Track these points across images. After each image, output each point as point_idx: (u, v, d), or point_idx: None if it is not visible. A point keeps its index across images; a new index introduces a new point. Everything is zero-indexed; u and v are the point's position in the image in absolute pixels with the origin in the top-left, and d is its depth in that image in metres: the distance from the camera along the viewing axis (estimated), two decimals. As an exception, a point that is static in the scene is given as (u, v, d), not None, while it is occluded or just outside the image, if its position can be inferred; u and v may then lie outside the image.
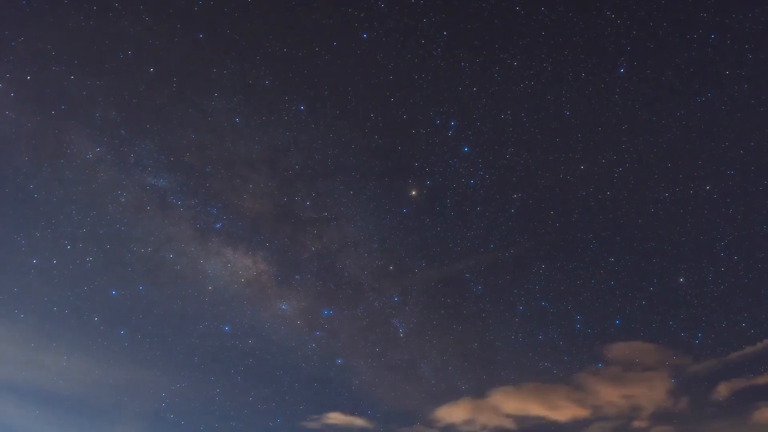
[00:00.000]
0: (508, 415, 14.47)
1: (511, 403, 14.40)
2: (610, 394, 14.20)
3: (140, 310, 11.48)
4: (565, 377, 13.97)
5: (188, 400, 12.87)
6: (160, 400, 12.54)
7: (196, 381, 12.68)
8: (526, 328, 13.65)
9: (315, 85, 10.45)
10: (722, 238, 12.54)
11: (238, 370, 12.74)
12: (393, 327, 13.39)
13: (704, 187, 12.05)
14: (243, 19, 9.63)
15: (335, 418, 14.10)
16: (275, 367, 12.96)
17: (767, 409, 13.50)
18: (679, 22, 10.73)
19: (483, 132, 11.62)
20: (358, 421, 14.09)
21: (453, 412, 14.40)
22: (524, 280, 13.21)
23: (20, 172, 9.67)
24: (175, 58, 9.55)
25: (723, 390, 13.67)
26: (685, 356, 13.54)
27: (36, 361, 11.44)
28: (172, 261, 11.38)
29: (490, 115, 11.49)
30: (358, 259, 12.48)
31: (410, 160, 11.63)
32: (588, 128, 11.83)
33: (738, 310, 12.92)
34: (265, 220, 11.72)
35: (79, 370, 11.89)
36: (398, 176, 11.79)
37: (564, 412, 14.32)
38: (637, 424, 14.26)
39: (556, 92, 11.40)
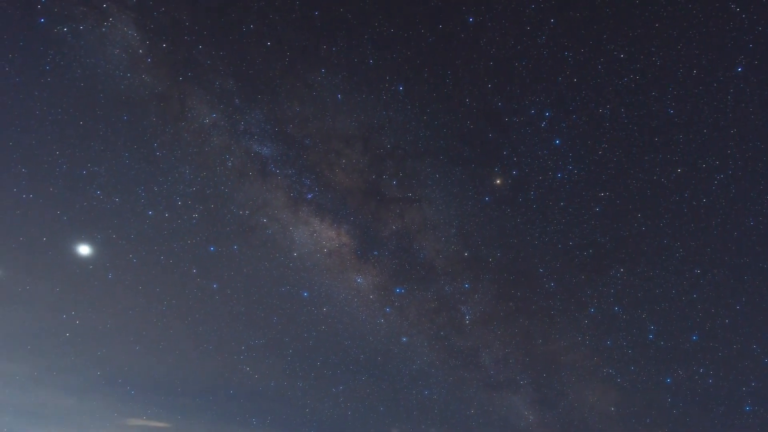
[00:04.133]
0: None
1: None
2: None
3: (232, 267, 12.45)
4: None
5: (263, 357, 13.84)
6: (240, 353, 13.60)
7: (272, 339, 13.59)
8: (594, 332, 13.30)
9: (416, 66, 10.68)
10: (832, 260, 11.53)
11: (311, 335, 13.50)
12: (460, 313, 13.55)
13: (818, 203, 11.10)
14: (356, -2, 10.01)
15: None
16: (345, 336, 13.58)
17: None
18: (813, 20, 9.87)
19: (578, 125, 11.35)
20: (415, 400, 14.47)
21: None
22: (599, 282, 12.83)
23: (147, 131, 10.78)
24: (290, 33, 10.14)
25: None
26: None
27: (140, 304, 12.81)
28: (265, 225, 12.21)
29: (588, 108, 11.19)
30: (434, 242, 12.71)
31: (499, 148, 11.61)
32: (691, 129, 11.20)
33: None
34: (353, 195, 12.22)
35: (173, 315, 13.15)
36: (485, 163, 11.82)
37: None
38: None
39: (661, 88, 10.87)
